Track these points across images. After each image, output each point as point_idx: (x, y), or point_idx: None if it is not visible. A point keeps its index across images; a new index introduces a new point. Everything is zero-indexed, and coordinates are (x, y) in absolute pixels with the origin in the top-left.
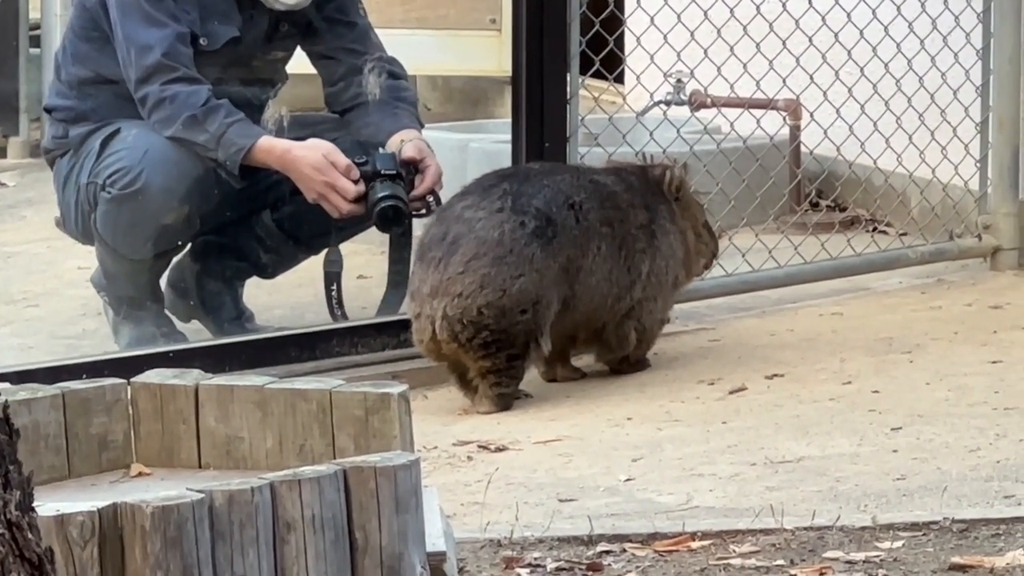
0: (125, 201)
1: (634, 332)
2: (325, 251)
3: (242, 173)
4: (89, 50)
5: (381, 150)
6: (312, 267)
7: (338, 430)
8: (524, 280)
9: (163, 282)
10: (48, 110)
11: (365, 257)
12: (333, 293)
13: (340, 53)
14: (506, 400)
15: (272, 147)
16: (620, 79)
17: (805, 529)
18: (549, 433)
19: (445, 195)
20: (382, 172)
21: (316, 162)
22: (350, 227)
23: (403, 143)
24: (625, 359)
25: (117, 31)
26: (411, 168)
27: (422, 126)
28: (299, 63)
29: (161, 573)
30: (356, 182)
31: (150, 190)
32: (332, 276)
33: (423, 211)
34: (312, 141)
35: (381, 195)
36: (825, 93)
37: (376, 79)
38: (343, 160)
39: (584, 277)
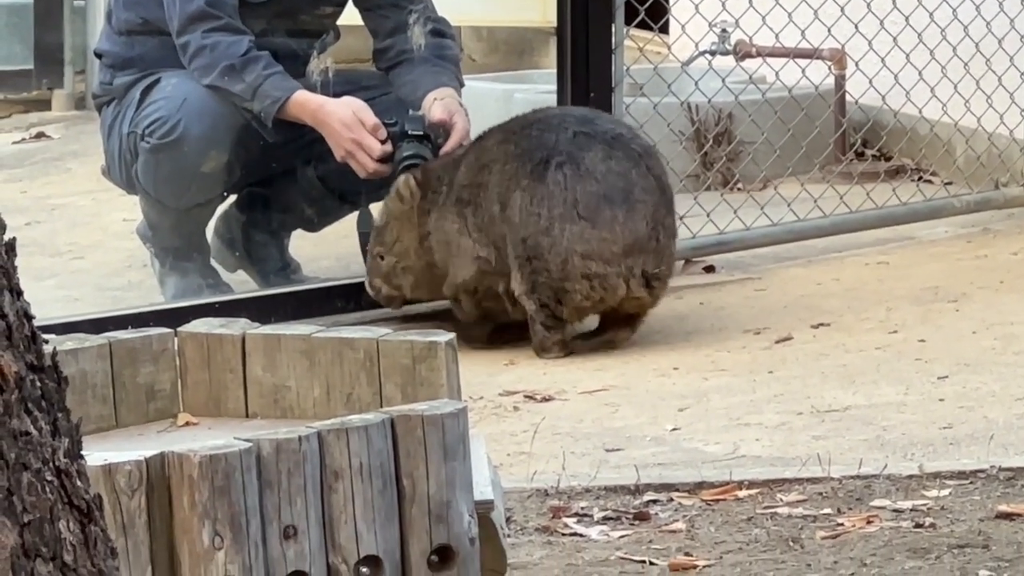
0: (164, 151)
1: None
2: (357, 212)
3: (276, 126)
4: None
5: (411, 112)
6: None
7: (385, 379)
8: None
9: (209, 233)
10: (98, 55)
11: None
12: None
13: (389, 9)
14: None
15: (306, 101)
16: (665, 29)
17: (852, 478)
18: (595, 383)
19: None
20: (409, 133)
21: (346, 118)
22: (386, 187)
23: (434, 102)
24: None
25: None
26: (439, 131)
27: (462, 85)
28: (348, 15)
29: (209, 522)
30: (384, 142)
31: (188, 139)
32: (366, 236)
33: None
34: (345, 98)
35: (406, 154)
36: (870, 42)
37: (420, 34)
38: (372, 119)
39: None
